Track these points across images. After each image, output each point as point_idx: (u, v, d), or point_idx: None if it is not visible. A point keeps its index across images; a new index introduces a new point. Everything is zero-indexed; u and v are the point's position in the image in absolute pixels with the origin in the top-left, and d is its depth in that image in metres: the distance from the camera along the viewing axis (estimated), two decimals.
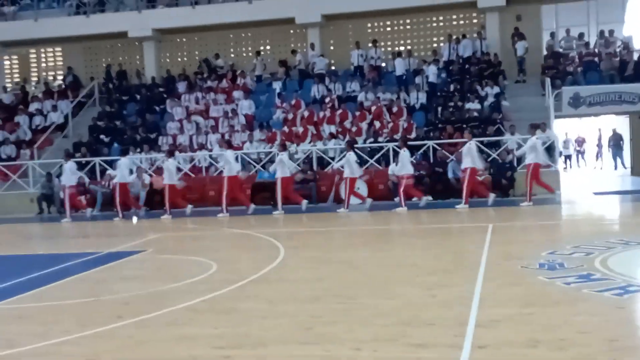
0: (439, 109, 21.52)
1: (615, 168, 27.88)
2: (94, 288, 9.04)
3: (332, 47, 25.96)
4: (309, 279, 8.79)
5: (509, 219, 14.53)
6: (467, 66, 23.23)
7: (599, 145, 28.69)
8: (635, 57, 22.09)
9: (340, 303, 7.32)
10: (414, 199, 17.27)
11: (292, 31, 26.27)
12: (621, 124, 27.07)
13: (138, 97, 25.59)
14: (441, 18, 25.49)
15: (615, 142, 28.71)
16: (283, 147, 18.23)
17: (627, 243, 10.04)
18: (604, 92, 19.93)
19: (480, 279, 8.12)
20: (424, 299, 7.32)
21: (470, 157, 16.48)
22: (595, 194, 18.74)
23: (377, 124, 21.18)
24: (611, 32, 23.15)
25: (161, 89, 25.67)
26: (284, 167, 17.62)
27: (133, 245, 12.74)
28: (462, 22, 25.25)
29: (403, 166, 17.05)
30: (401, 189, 16.81)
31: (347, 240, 12.30)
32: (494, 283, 7.87)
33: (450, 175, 18.38)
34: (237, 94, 24.26)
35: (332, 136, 21.10)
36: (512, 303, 6.94)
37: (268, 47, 26.71)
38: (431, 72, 22.97)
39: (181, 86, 25.42)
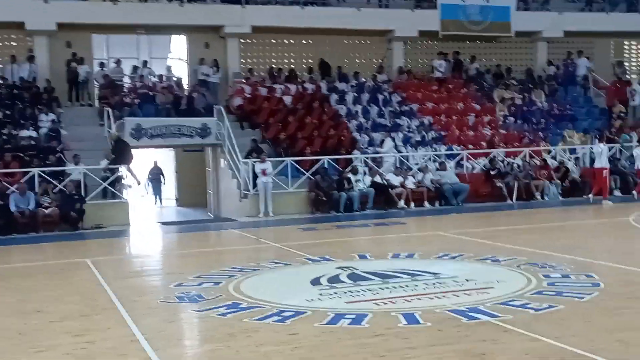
0: None
1: (156, 202, 27.75)
2: None
3: None
4: None
5: (102, 253, 13.56)
6: (17, 91, 21.46)
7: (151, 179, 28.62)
8: (186, 92, 23.09)
9: None
10: None
11: None
12: (164, 158, 27.63)
13: None
14: None
15: (155, 175, 28.71)
16: None
17: (241, 270, 10.28)
18: (165, 125, 20.29)
19: (129, 318, 7.43)
20: (84, 348, 6.38)
21: None
22: (163, 224, 18.96)
23: None
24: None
25: None
26: None
27: None
28: (8, 43, 23.31)
29: None
30: None
31: None
32: (149, 321, 7.28)
33: (13, 208, 16.67)
34: None
35: None
36: (187, 341, 6.54)
37: None
38: None
39: None
